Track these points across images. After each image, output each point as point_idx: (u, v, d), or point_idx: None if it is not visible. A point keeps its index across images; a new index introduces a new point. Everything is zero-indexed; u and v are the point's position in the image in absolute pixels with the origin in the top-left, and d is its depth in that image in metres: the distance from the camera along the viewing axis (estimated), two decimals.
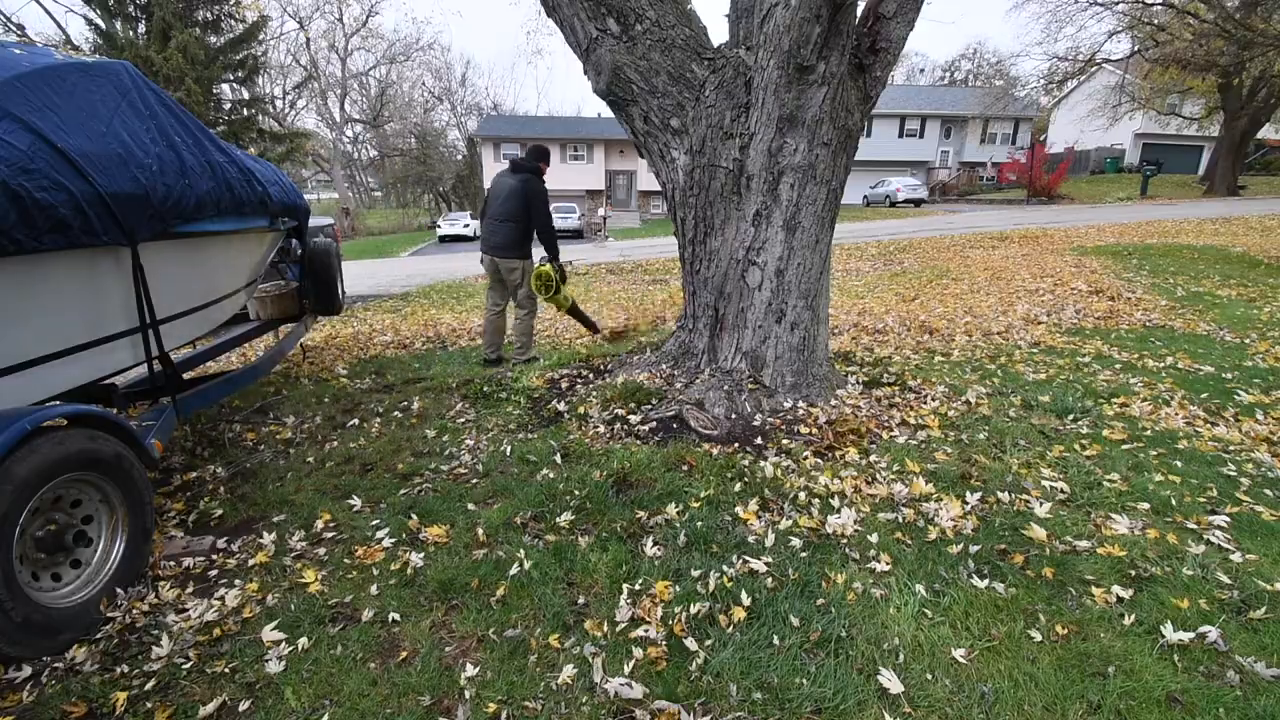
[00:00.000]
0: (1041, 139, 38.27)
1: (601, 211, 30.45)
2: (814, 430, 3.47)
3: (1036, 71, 54.41)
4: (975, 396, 3.98)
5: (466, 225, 29.40)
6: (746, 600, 2.15)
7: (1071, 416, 3.68)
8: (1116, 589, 2.16)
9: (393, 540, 2.66)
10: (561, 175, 35.66)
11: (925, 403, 3.92)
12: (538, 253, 5.26)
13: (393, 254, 23.32)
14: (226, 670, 1.97)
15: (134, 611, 2.24)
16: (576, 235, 28.36)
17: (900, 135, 37.60)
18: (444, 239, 29.46)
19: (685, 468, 3.09)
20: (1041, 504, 2.69)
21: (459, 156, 47.35)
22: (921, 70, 54.09)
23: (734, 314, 3.89)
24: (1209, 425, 3.54)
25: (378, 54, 44.73)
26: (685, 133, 3.85)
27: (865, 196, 32.01)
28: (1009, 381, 4.35)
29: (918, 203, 30.19)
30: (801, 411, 3.66)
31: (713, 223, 3.86)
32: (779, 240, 3.72)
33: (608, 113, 5.45)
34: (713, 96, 3.72)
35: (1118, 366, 4.67)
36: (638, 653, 1.95)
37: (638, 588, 2.25)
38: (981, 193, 34.78)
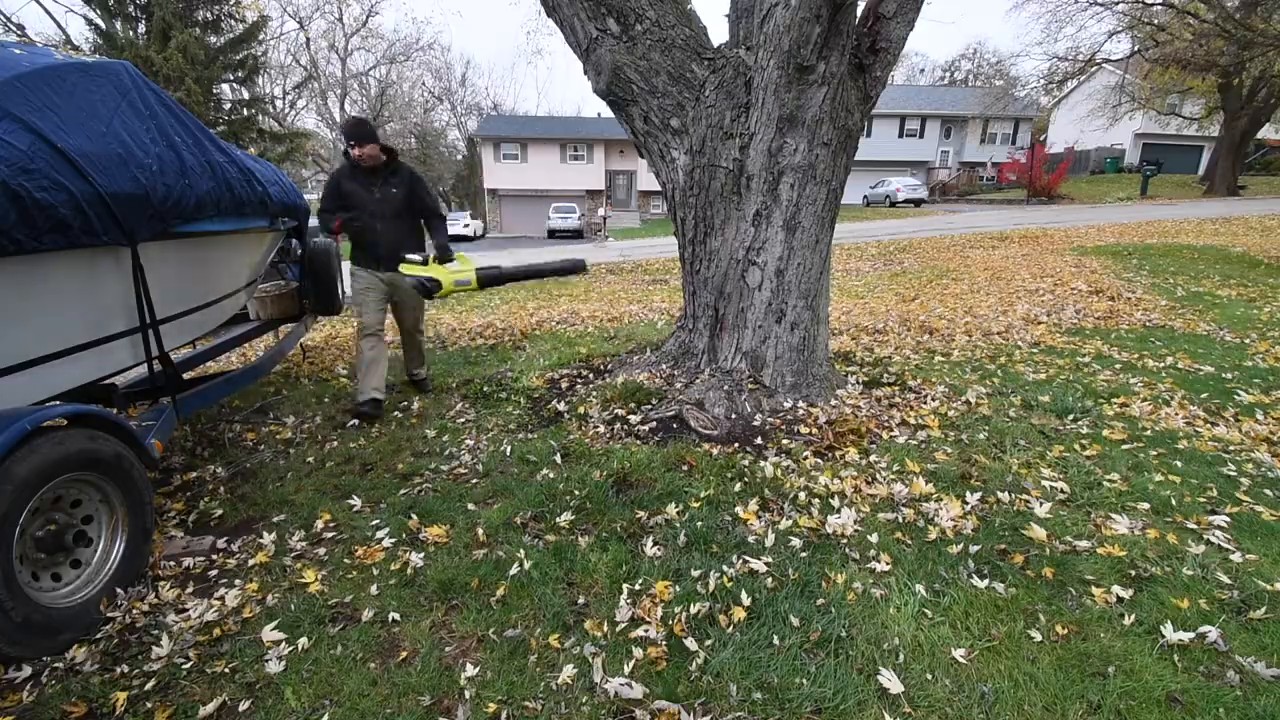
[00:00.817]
0: (1041, 139, 38.27)
1: (601, 211, 30.47)
2: (814, 430, 3.47)
3: (1036, 71, 54.55)
4: (975, 396, 3.98)
5: (467, 225, 29.53)
6: (746, 600, 2.15)
7: (1071, 416, 3.68)
8: (1116, 589, 2.16)
9: (393, 540, 2.66)
10: (561, 175, 35.73)
11: (925, 403, 3.92)
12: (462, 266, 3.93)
13: None
14: (226, 670, 1.97)
15: (134, 611, 2.24)
16: (576, 235, 28.37)
17: (900, 135, 37.61)
18: None
19: (685, 468, 3.09)
20: (1041, 504, 2.69)
21: (459, 156, 47.38)
22: (921, 70, 54.19)
23: (734, 314, 3.89)
24: (1209, 425, 3.54)
25: (378, 54, 44.72)
26: (685, 133, 3.85)
27: (865, 196, 31.99)
28: (1009, 381, 4.34)
29: (918, 203, 30.17)
30: (801, 411, 3.66)
31: (713, 223, 3.86)
32: (779, 240, 3.72)
33: (608, 113, 5.43)
34: (713, 96, 3.72)
35: (1118, 366, 4.67)
36: (638, 653, 1.94)
37: (638, 588, 2.25)
38: (981, 193, 34.75)
